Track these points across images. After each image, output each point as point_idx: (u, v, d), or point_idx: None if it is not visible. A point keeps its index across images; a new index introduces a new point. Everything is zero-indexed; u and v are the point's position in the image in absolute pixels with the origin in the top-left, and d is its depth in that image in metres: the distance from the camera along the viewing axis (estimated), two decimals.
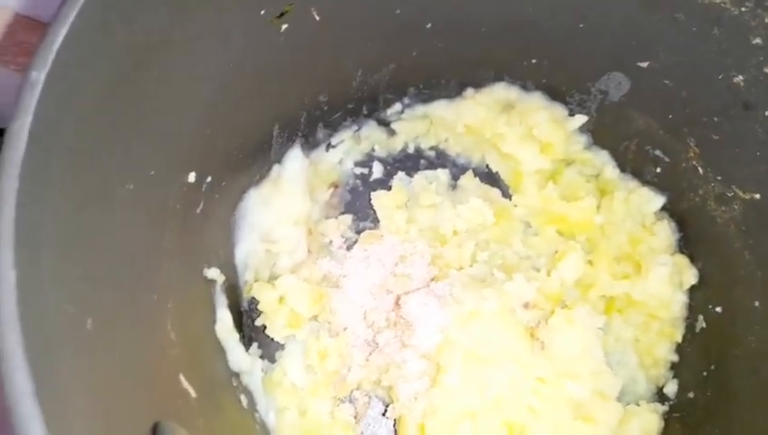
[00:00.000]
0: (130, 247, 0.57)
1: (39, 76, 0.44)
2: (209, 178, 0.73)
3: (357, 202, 0.99)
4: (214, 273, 0.77)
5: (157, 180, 0.61)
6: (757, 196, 0.73)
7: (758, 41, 0.66)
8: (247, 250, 0.87)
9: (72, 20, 0.50)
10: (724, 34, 0.68)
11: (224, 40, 0.67)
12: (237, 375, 0.80)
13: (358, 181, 1.00)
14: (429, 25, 0.82)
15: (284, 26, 0.72)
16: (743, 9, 0.66)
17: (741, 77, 0.70)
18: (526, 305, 0.82)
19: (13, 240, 0.40)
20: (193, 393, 0.63)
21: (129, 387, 0.52)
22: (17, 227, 0.41)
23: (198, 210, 0.72)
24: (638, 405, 0.82)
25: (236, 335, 0.79)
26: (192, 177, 0.69)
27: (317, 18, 0.74)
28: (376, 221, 0.97)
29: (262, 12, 0.68)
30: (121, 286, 0.55)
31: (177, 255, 0.67)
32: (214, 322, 0.77)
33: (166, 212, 0.64)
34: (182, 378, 0.62)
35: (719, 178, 0.78)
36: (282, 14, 0.71)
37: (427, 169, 1.01)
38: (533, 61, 0.87)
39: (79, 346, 0.46)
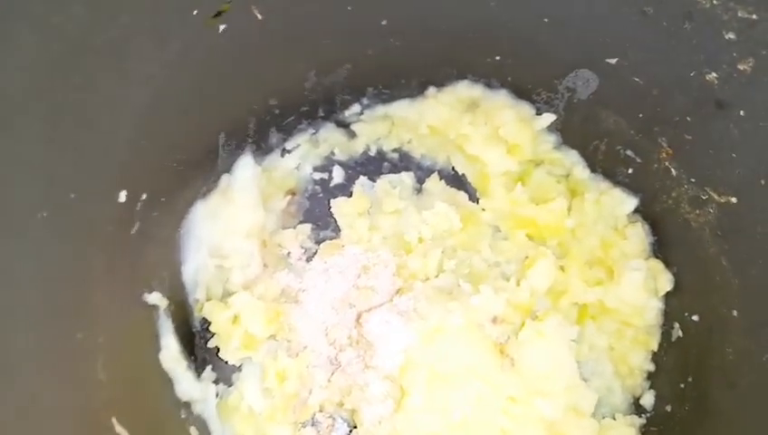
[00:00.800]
0: (47, 283, 0.51)
1: None
2: (144, 196, 0.66)
3: (316, 210, 0.94)
4: (155, 297, 0.71)
5: (78, 204, 0.55)
6: (733, 199, 0.69)
7: (731, 36, 0.62)
8: (196, 267, 0.81)
9: None
10: (696, 29, 0.64)
11: (157, 42, 0.61)
12: (187, 405, 0.74)
13: (317, 187, 0.95)
14: (385, 22, 0.76)
15: (222, 26, 0.66)
16: (714, 2, 0.61)
17: (714, 74, 0.65)
18: (494, 320, 0.77)
19: None
20: None
21: None
22: None
23: (133, 231, 0.66)
24: (615, 419, 0.79)
25: (184, 363, 0.74)
26: (123, 196, 0.62)
27: (259, 17, 0.68)
28: (337, 230, 0.92)
29: (194, 12, 0.62)
30: (36, 328, 0.48)
31: (110, 283, 0.61)
32: (157, 350, 0.71)
33: (92, 238, 0.58)
34: (115, 422, 0.56)
35: (693, 179, 0.74)
36: (218, 14, 0.65)
37: (390, 172, 0.95)
38: (497, 58, 0.82)
39: None
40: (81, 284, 0.57)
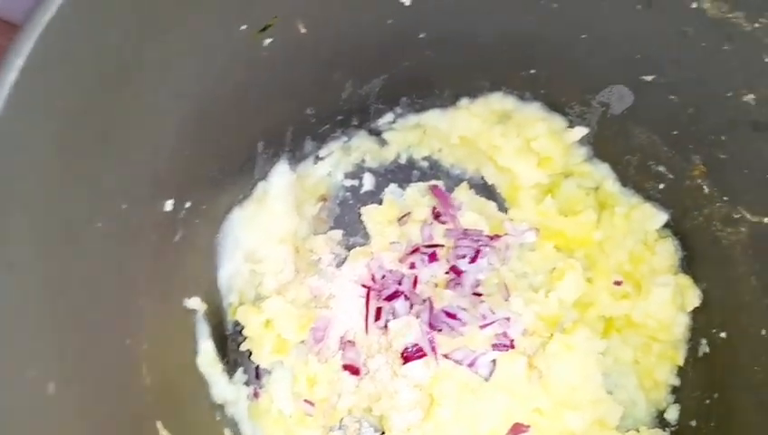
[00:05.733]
0: (100, 292, 0.53)
1: None
2: (188, 204, 0.68)
3: (346, 216, 0.95)
4: (194, 302, 0.73)
5: (129, 214, 0.57)
6: (766, 220, 0.69)
7: None
8: (231, 272, 0.83)
9: (30, 47, 0.45)
10: (736, 51, 0.64)
11: (202, 57, 0.63)
12: (221, 408, 0.76)
13: (348, 194, 0.96)
14: (422, 36, 0.77)
15: (268, 40, 0.67)
16: (756, 26, 0.62)
17: (752, 96, 0.66)
18: (524, 333, 0.78)
19: None
20: None
21: None
22: None
23: (176, 238, 0.68)
24: (638, 432, 0.80)
25: (220, 366, 0.75)
26: (169, 205, 0.64)
27: (302, 31, 0.69)
28: (367, 237, 0.93)
29: (243, 27, 0.63)
30: (89, 338, 0.50)
31: (154, 289, 0.63)
32: (195, 354, 0.72)
33: (140, 246, 0.60)
34: (159, 425, 0.58)
35: (725, 198, 0.74)
36: (265, 28, 0.66)
37: (420, 180, 0.97)
38: (532, 71, 0.82)
39: (39, 415, 0.42)
40: (128, 291, 0.59)
